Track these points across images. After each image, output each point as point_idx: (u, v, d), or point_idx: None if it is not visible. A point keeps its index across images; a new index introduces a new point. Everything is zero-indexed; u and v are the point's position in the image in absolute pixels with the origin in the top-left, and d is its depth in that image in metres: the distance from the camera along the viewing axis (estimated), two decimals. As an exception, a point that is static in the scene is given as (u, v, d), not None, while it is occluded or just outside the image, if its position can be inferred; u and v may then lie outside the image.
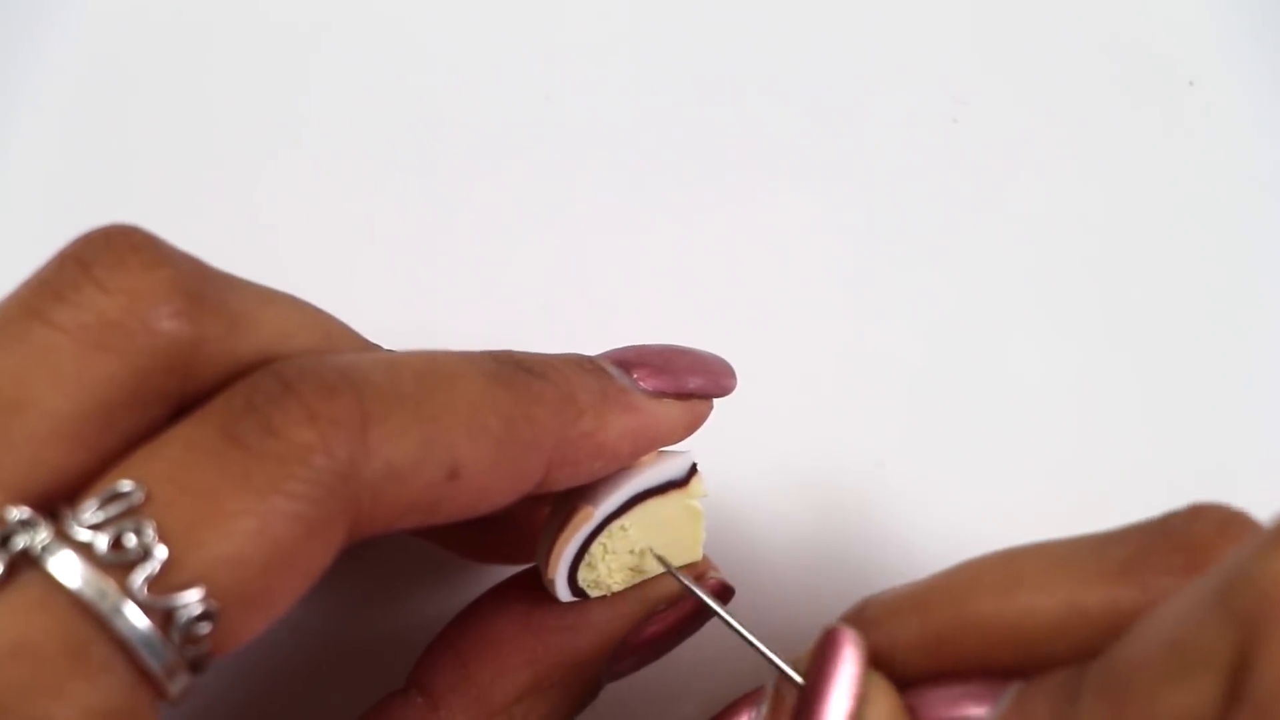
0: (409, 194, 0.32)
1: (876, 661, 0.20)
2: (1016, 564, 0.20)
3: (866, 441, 0.31)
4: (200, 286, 0.18)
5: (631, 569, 0.23)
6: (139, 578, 0.15)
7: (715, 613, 0.23)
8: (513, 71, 0.34)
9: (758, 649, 0.21)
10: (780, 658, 0.21)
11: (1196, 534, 0.19)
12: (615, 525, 0.22)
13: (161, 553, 0.16)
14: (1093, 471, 0.31)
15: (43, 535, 0.16)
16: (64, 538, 0.16)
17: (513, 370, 0.20)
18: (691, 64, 0.34)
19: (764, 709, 0.21)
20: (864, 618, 0.21)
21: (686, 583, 0.23)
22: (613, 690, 0.25)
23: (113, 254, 0.17)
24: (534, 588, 0.23)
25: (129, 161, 0.32)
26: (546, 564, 0.22)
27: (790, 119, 0.34)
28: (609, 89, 0.34)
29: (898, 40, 0.35)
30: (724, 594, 0.24)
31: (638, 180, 0.33)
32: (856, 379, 0.32)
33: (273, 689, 0.28)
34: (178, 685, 0.16)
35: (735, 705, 0.22)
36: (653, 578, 0.24)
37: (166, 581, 0.16)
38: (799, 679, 0.20)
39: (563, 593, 0.23)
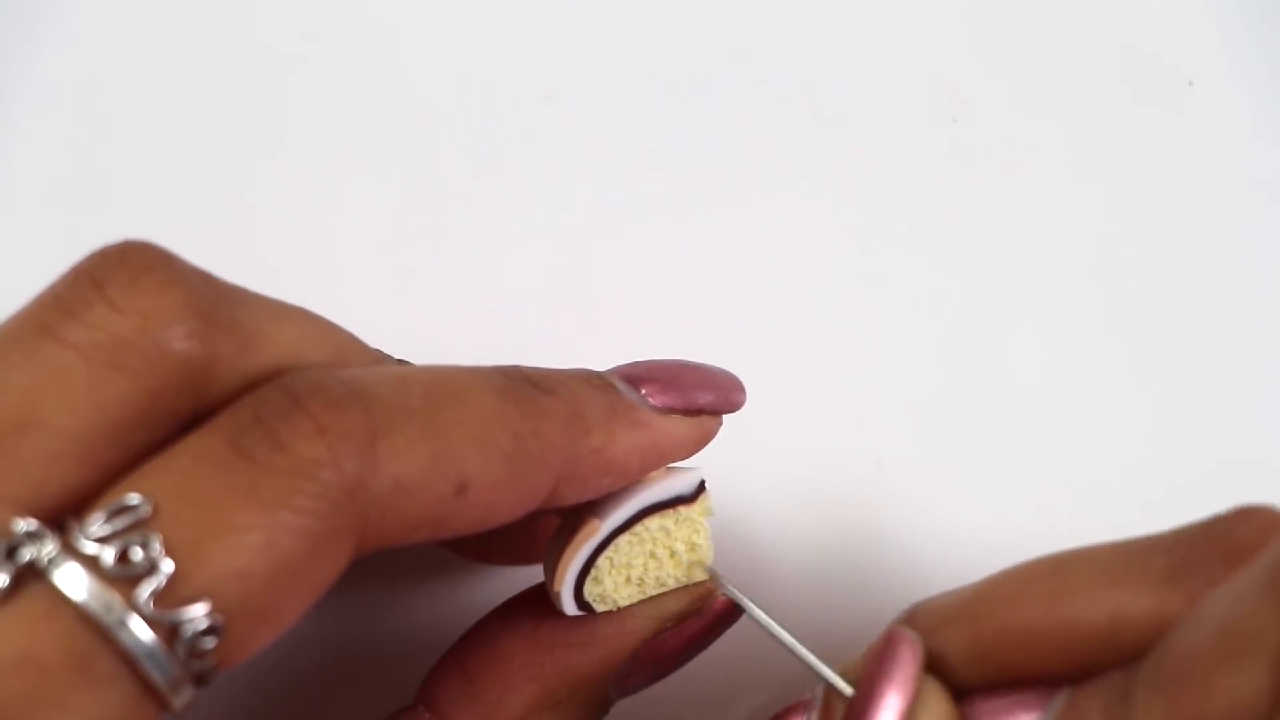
0: (409, 194, 0.33)
1: (929, 669, 0.20)
2: (1062, 572, 0.20)
3: (866, 442, 0.31)
4: (213, 306, 0.18)
5: (638, 584, 0.23)
6: (145, 591, 0.15)
7: (764, 625, 0.22)
8: (513, 71, 0.34)
9: (803, 657, 0.21)
10: (828, 666, 0.21)
11: (1241, 539, 0.18)
12: (622, 540, 0.22)
13: (168, 566, 0.16)
14: (1092, 470, 0.31)
15: (49, 547, 0.16)
16: (70, 550, 0.16)
17: (521, 385, 0.20)
18: (691, 64, 0.34)
19: (813, 717, 0.21)
20: (913, 627, 0.21)
21: (734, 593, 0.23)
22: (623, 708, 0.25)
23: (126, 272, 0.17)
24: (541, 604, 0.23)
25: (125, 165, 0.32)
26: (552, 577, 0.22)
27: (790, 119, 0.34)
28: (609, 89, 0.34)
29: (898, 40, 0.35)
30: (735, 612, 0.24)
31: (637, 180, 0.33)
32: (856, 379, 0.32)
33: (278, 703, 0.28)
34: (182, 698, 0.16)
35: (783, 715, 0.22)
36: (660, 594, 0.24)
37: (172, 595, 0.16)
38: (848, 689, 0.20)
39: (568, 606, 0.23)
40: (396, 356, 0.22)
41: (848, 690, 0.21)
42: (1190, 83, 0.35)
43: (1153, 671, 0.17)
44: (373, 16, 0.34)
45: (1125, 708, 0.17)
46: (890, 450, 0.31)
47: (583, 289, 0.32)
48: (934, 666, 0.20)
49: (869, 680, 0.20)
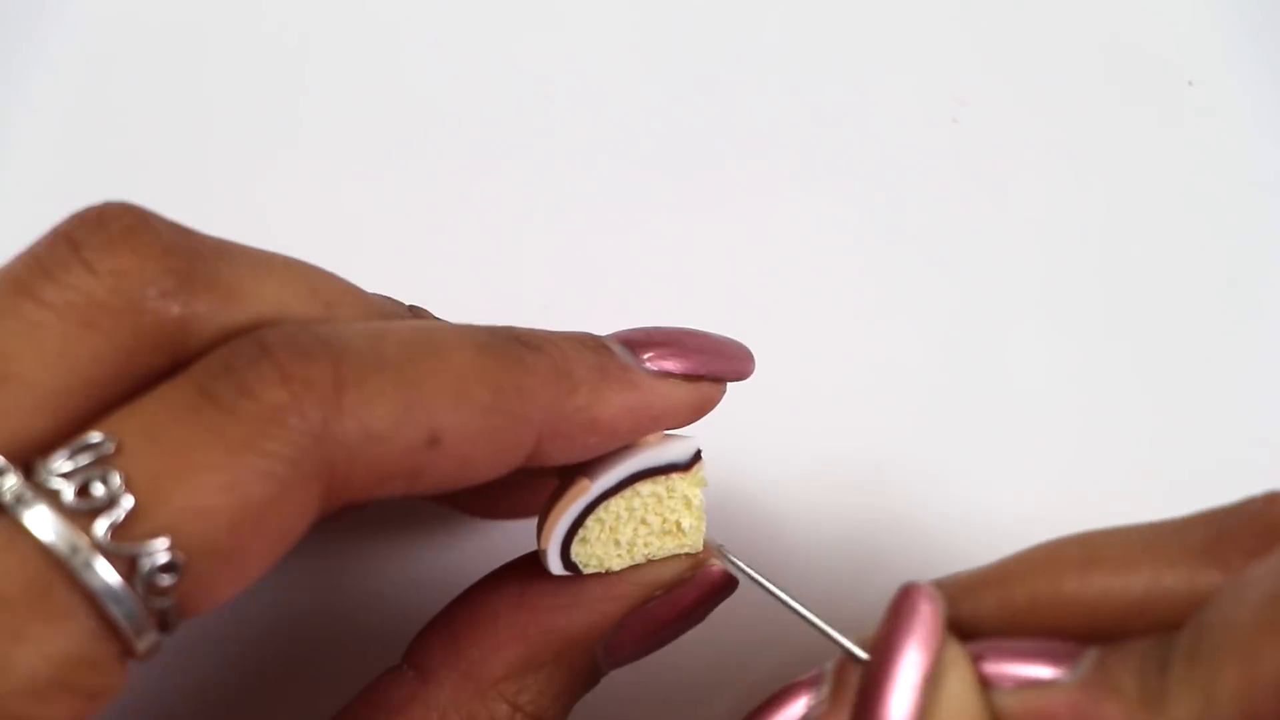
0: (410, 195, 0.33)
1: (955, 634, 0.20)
2: (1095, 544, 0.19)
3: (866, 441, 0.31)
4: (191, 265, 0.18)
5: (628, 549, 0.23)
6: (104, 525, 0.16)
7: (773, 594, 0.22)
8: (513, 71, 0.34)
9: (814, 624, 0.21)
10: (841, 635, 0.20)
11: (1276, 516, 0.18)
12: (612, 501, 0.22)
13: (128, 501, 0.16)
14: (1094, 467, 0.31)
15: (11, 482, 0.16)
16: (32, 485, 0.16)
17: (506, 342, 0.20)
18: (692, 64, 0.34)
19: (824, 689, 0.20)
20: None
21: (737, 564, 0.23)
22: (635, 690, 0.24)
23: (103, 234, 0.18)
24: (532, 569, 0.23)
25: (129, 163, 0.33)
26: (540, 534, 0.22)
27: (791, 119, 0.34)
28: (609, 89, 0.34)
29: (898, 40, 0.35)
30: (727, 585, 0.24)
31: (638, 181, 0.33)
32: (856, 379, 0.31)
33: (269, 664, 0.28)
34: (145, 641, 0.16)
35: (790, 689, 0.21)
36: (650, 561, 0.23)
37: (131, 530, 0.16)
38: (862, 653, 0.19)
39: (554, 565, 0.22)
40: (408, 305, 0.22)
41: (862, 654, 0.19)
42: (1190, 83, 0.34)
43: (1193, 642, 0.17)
44: (373, 18, 0.35)
45: (1163, 678, 0.17)
46: (890, 450, 0.31)
47: (583, 288, 0.32)
48: (962, 633, 0.20)
49: (885, 639, 0.19)
